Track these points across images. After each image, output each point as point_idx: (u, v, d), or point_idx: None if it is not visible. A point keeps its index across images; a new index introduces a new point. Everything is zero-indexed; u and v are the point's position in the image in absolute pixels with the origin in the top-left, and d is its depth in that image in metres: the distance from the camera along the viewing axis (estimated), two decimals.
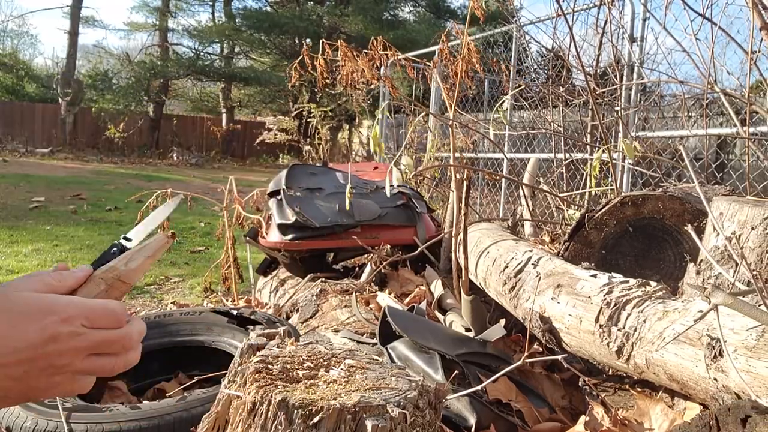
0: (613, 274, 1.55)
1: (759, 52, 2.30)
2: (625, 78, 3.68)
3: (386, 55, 2.45)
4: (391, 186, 2.25)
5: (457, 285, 2.32)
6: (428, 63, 2.99)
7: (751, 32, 2.10)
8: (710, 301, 0.94)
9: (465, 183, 2.17)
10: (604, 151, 2.48)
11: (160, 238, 0.75)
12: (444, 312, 2.35)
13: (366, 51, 2.51)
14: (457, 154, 2.40)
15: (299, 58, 2.61)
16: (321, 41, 2.57)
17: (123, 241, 0.76)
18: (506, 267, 1.97)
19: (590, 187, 2.90)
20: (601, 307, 1.44)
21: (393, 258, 2.85)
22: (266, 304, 3.16)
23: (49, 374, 0.59)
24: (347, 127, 19.46)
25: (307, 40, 19.30)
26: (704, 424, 0.95)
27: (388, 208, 3.08)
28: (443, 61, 2.42)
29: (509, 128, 5.11)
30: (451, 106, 2.38)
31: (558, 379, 1.82)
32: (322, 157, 7.07)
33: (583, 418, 1.47)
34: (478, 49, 2.32)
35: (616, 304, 1.41)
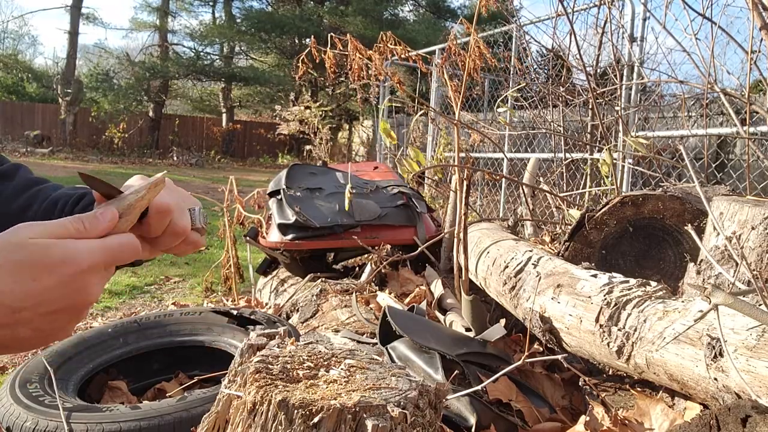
0: (614, 274, 1.55)
1: (759, 51, 2.30)
2: (625, 78, 3.68)
3: (396, 49, 2.42)
4: (412, 175, 2.22)
5: (457, 285, 2.32)
6: (437, 61, 2.98)
7: (751, 32, 2.10)
8: (710, 301, 0.94)
9: (465, 183, 2.17)
10: (608, 150, 2.47)
11: (157, 178, 0.70)
12: (444, 312, 2.35)
13: (369, 48, 2.50)
14: (463, 154, 2.39)
15: (307, 50, 2.59)
16: (330, 36, 2.54)
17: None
18: (506, 267, 1.97)
19: (591, 186, 2.90)
20: (602, 307, 1.44)
21: (393, 258, 2.84)
22: (266, 304, 3.16)
23: (68, 320, 0.57)
24: (347, 127, 19.48)
25: (308, 40, 19.30)
26: (704, 424, 0.95)
27: (388, 208, 3.08)
28: (453, 57, 2.39)
29: (509, 128, 5.11)
30: (457, 105, 2.37)
31: (558, 379, 1.81)
32: (323, 156, 7.05)
33: (583, 418, 1.47)
34: (486, 46, 2.30)
35: (616, 304, 1.41)
